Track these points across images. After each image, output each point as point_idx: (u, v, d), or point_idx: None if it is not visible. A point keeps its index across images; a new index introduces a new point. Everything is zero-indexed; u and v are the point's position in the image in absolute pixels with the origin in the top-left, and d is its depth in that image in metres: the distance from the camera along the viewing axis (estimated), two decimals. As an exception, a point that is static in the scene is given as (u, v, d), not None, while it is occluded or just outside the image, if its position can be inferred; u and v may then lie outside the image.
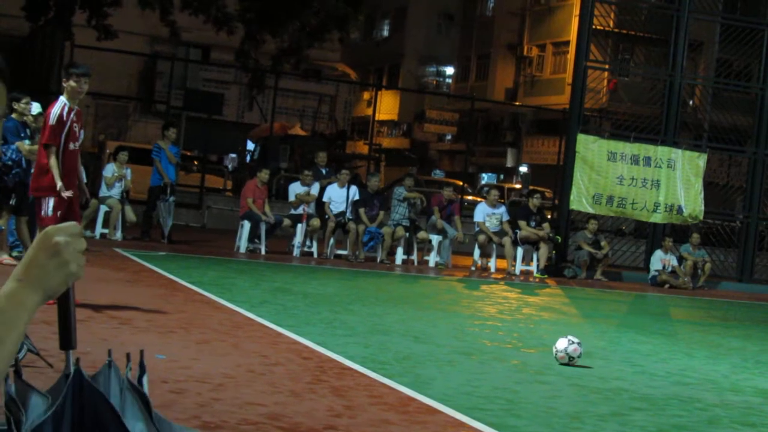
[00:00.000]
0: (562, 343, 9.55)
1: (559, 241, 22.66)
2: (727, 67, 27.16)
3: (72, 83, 10.23)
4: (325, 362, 8.51)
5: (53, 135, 10.16)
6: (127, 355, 2.56)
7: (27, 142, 13.84)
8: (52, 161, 10.16)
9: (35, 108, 14.37)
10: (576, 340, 9.56)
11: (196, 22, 35.25)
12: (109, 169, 20.11)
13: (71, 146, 10.33)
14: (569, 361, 9.47)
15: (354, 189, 21.06)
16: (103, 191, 19.74)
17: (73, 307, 2.40)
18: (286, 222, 20.50)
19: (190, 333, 9.34)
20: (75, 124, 10.32)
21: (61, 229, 2.24)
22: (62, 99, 10.29)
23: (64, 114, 10.21)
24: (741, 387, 9.50)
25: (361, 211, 20.66)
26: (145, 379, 2.52)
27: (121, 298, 10.99)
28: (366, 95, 62.36)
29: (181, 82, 30.12)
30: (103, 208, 19.71)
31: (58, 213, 10.15)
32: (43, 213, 10.25)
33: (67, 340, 2.41)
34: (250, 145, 44.08)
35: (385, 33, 69.74)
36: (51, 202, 10.20)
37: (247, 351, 8.68)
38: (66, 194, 10.16)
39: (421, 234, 21.29)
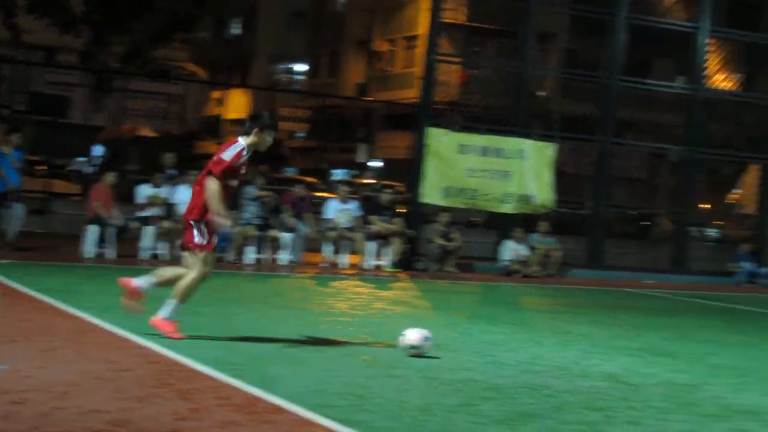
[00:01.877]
0: (411, 332, 9.72)
1: (414, 234, 22.75)
2: (576, 58, 27.47)
3: (265, 137, 10.14)
4: (172, 366, 8.39)
5: (223, 173, 9.96)
6: None
7: None
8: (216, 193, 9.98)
9: None
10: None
11: (39, 23, 34.53)
12: (-50, 176, 19.54)
13: (231, 182, 10.19)
14: (423, 341, 9.60)
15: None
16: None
17: None
18: (134, 224, 20.17)
19: (34, 341, 9.11)
20: (243, 166, 10.21)
21: None
22: (242, 143, 10.10)
23: (242, 157, 10.06)
24: (590, 372, 9.66)
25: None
26: None
27: (-39, 308, 10.67)
28: (216, 94, 61.94)
29: (25, 86, 29.51)
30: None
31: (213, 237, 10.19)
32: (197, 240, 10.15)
33: None
34: (99, 149, 43.39)
35: (237, 31, 69.34)
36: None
37: (93, 357, 8.52)
38: (221, 221, 10.01)
39: (272, 232, 21.14)
